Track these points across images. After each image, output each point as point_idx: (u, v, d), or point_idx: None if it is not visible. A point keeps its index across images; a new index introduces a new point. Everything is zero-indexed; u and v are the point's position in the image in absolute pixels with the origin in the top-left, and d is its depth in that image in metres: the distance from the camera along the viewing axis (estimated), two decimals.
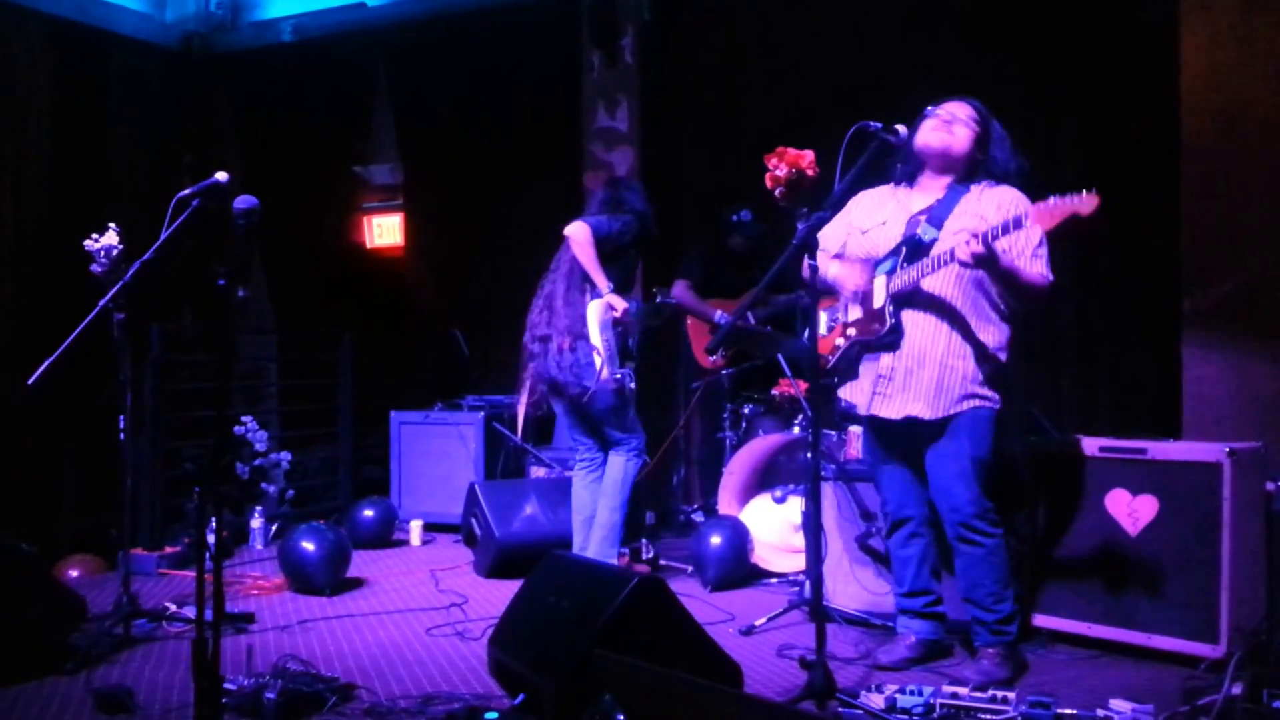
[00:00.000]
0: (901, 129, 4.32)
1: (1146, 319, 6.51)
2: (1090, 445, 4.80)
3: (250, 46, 9.68)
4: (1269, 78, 5.82)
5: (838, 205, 4.14)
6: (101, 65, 8.84)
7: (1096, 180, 3.95)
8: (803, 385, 6.31)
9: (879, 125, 4.23)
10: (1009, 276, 4.24)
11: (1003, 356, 4.41)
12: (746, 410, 7.26)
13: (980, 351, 4.38)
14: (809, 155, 5.65)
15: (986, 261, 4.10)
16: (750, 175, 5.86)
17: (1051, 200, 3.95)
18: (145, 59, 9.17)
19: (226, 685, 3.81)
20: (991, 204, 4.35)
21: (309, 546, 5.98)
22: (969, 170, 4.48)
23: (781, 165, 5.68)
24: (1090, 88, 6.71)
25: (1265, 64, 5.83)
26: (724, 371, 7.32)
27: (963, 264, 4.13)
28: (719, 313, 7.40)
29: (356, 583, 6.22)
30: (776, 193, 5.69)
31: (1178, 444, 4.67)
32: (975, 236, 4.05)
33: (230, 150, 9.70)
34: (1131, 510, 4.59)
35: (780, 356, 6.48)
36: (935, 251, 4.30)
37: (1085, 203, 3.89)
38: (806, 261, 4.04)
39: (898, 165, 4.60)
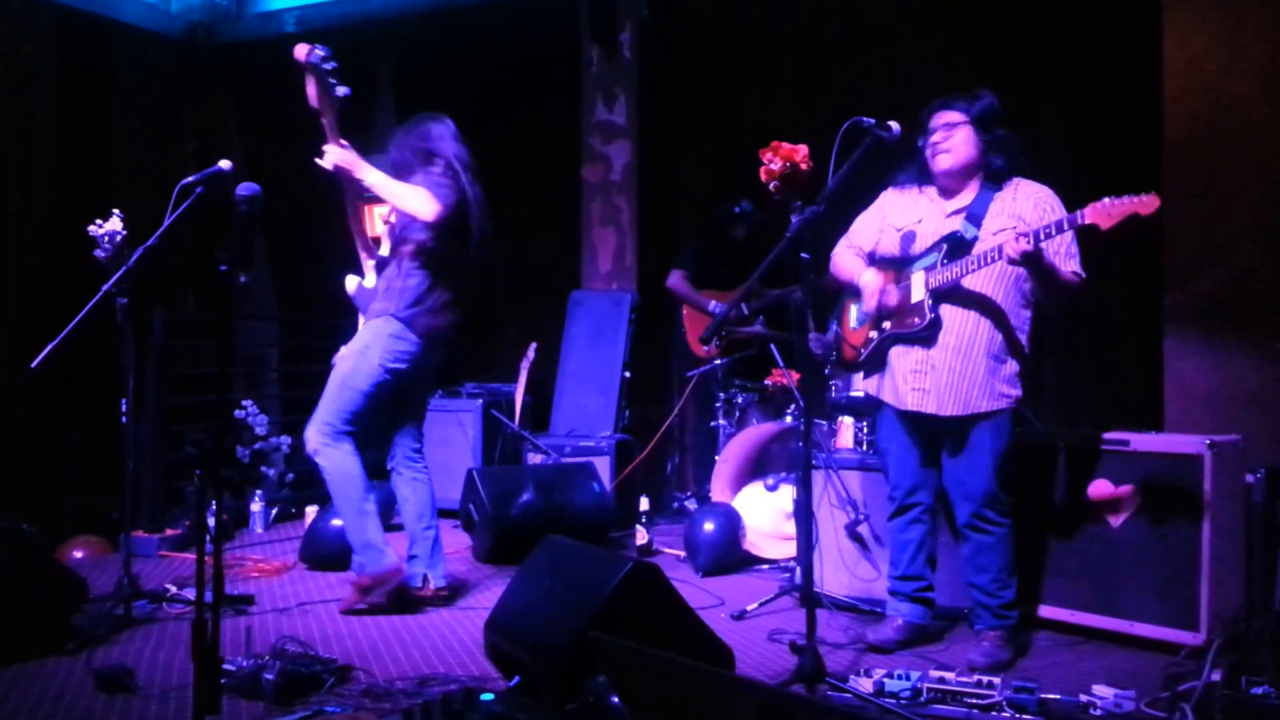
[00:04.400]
0: (895, 125, 4.37)
1: (1130, 314, 6.57)
2: (1074, 437, 4.88)
3: (254, 37, 9.70)
4: (1252, 79, 5.87)
5: (831, 199, 4.19)
6: (107, 54, 8.86)
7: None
8: (795, 375, 6.37)
9: (872, 121, 4.27)
10: (1049, 274, 4.31)
11: (1025, 359, 4.51)
12: (740, 399, 7.31)
13: (1012, 349, 4.47)
14: (803, 150, 5.71)
15: (1032, 260, 4.17)
16: (745, 169, 5.91)
17: (1106, 200, 4.02)
18: (150, 48, 9.19)
19: (226, 666, 3.85)
20: (1028, 203, 4.43)
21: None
22: (993, 172, 4.54)
23: (776, 159, 5.74)
24: (1076, 88, 6.76)
25: (1248, 65, 5.88)
26: (718, 361, 7.38)
27: (1011, 261, 4.19)
28: (714, 302, 7.46)
29: None
30: (771, 186, 5.75)
31: (1160, 436, 4.74)
32: (1025, 236, 4.12)
33: (233, 139, 9.74)
34: (1114, 500, 4.66)
35: (773, 347, 6.54)
36: (978, 250, 4.37)
37: (1146, 204, 3.96)
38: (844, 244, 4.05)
39: (915, 169, 4.67)
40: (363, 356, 5.13)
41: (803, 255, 4.07)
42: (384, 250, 5.36)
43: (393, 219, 5.35)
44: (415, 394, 5.42)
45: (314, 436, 5.10)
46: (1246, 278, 5.86)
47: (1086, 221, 4.07)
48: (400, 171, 5.24)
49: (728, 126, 8.10)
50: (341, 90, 5.02)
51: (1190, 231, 6.03)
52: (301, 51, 4.91)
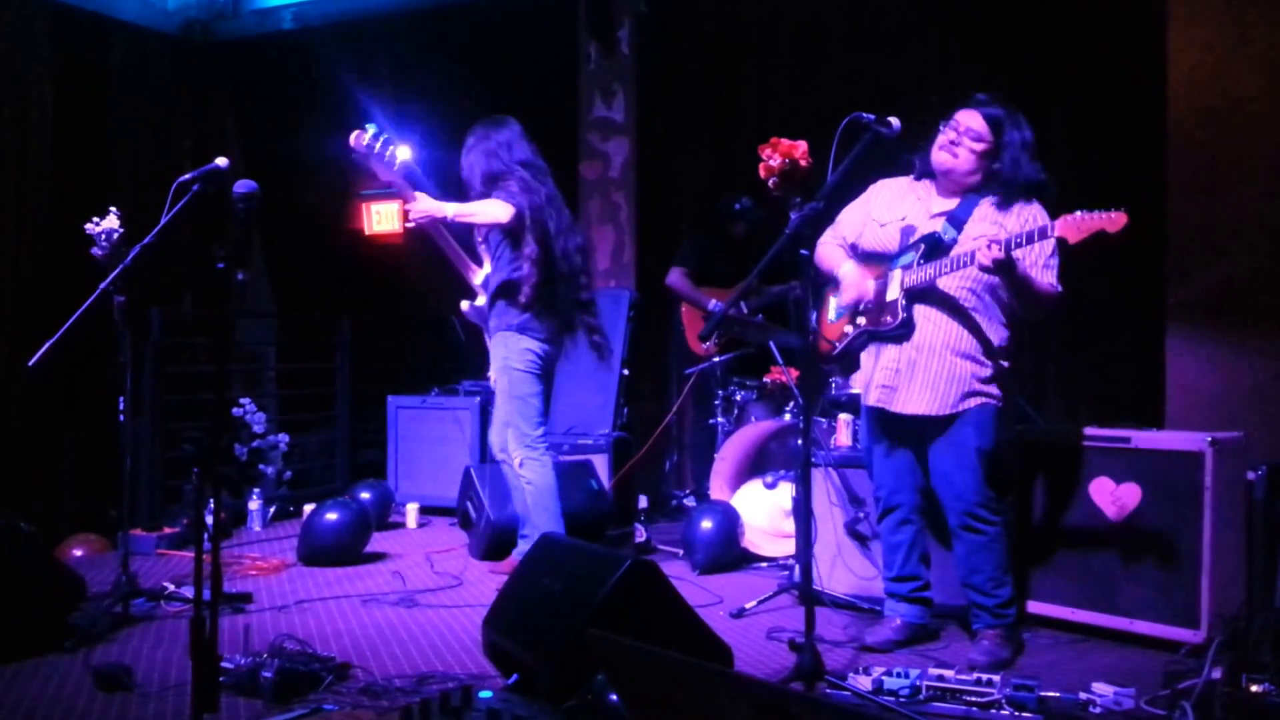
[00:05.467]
0: (894, 121, 4.36)
1: (1131, 311, 6.58)
2: (1075, 434, 4.86)
3: (251, 34, 9.72)
4: (1256, 75, 5.87)
5: (830, 196, 4.18)
6: (104, 51, 8.87)
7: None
8: (794, 373, 6.36)
9: (872, 117, 4.26)
10: (1022, 284, 4.30)
11: (1005, 360, 4.48)
12: (738, 397, 7.31)
13: (987, 351, 4.44)
14: (802, 146, 5.69)
15: (1004, 268, 4.16)
16: (744, 166, 5.90)
17: (1079, 214, 4.01)
18: (147, 45, 9.20)
19: (224, 664, 3.85)
20: (1011, 213, 4.41)
21: (332, 517, 6.32)
22: (984, 180, 4.51)
23: (775, 156, 5.72)
24: (1079, 84, 6.77)
25: (1252, 62, 5.88)
26: (716, 358, 7.37)
27: (982, 268, 4.19)
28: (713, 300, 7.45)
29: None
30: (770, 183, 5.73)
31: (1161, 433, 4.72)
32: (997, 243, 4.11)
33: (231, 136, 9.75)
34: (1115, 498, 4.65)
35: (772, 344, 6.53)
36: (955, 252, 4.36)
37: (1113, 220, 3.95)
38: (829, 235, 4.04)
39: (915, 160, 4.65)
40: (508, 370, 5.63)
41: (802, 252, 4.06)
42: (484, 272, 5.78)
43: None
44: (550, 391, 5.83)
45: (518, 451, 5.65)
46: (1249, 274, 5.86)
47: (1055, 234, 4.07)
48: (472, 193, 5.67)
49: (726, 123, 8.11)
50: (402, 156, 5.48)
51: (1193, 228, 6.03)
52: (353, 141, 5.41)
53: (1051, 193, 4.46)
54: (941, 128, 4.50)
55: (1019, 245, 4.16)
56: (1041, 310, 4.45)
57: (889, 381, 4.52)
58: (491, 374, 5.72)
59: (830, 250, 4.76)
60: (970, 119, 4.46)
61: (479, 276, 5.80)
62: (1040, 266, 4.35)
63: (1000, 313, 4.47)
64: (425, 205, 5.43)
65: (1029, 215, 4.39)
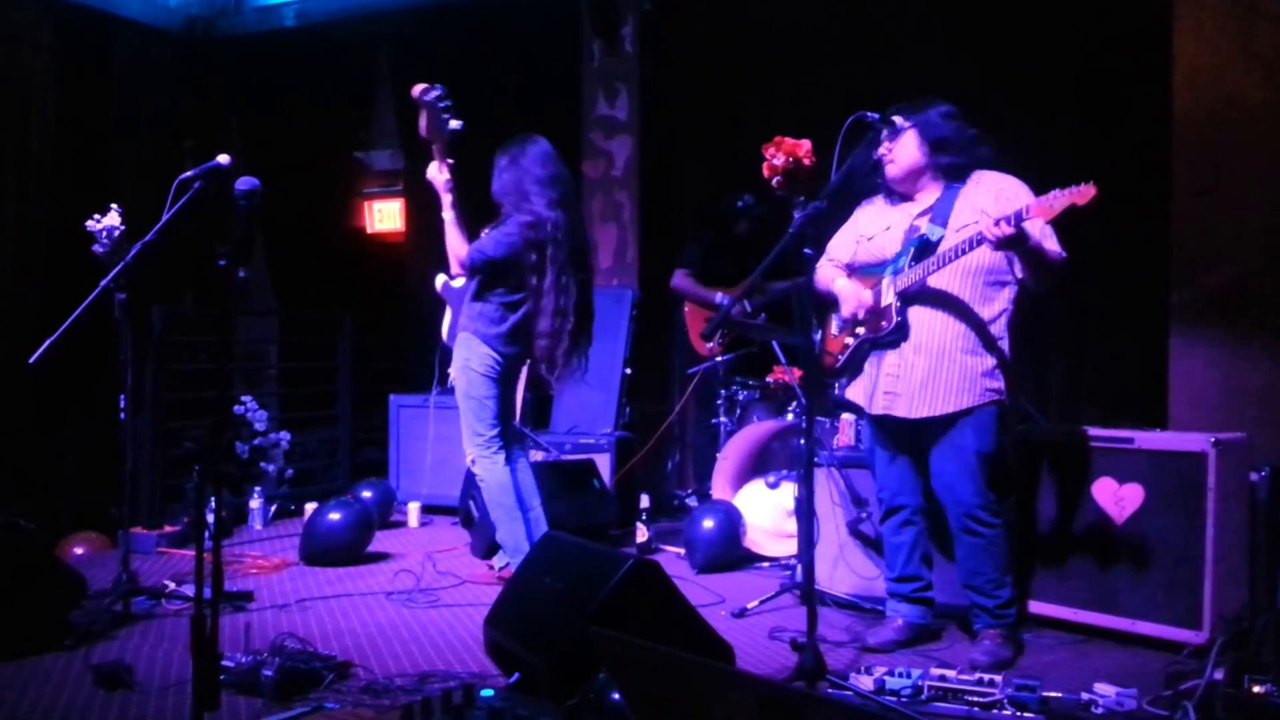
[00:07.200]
0: (898, 120, 4.36)
1: (1135, 311, 6.56)
2: (1078, 435, 4.86)
3: (253, 31, 9.71)
4: (1259, 76, 5.86)
5: (834, 194, 4.18)
6: (105, 48, 8.86)
7: (1090, 175, 4.01)
8: (797, 372, 6.35)
9: (876, 116, 4.27)
10: (1036, 254, 4.29)
11: (1005, 347, 4.49)
12: (741, 396, 7.30)
13: (987, 344, 4.45)
14: (806, 144, 5.68)
15: (1017, 241, 4.16)
16: (748, 164, 5.88)
17: (1052, 194, 4.03)
18: (149, 42, 9.19)
19: (224, 662, 3.86)
20: (989, 195, 4.41)
21: (335, 517, 6.33)
22: (948, 170, 4.54)
23: (779, 154, 5.70)
24: (1084, 85, 6.75)
25: (1256, 62, 5.87)
26: (719, 358, 7.36)
27: (997, 245, 4.17)
28: (719, 294, 7.44)
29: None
30: (774, 182, 5.72)
31: (1164, 434, 4.72)
32: (1006, 219, 4.11)
33: (232, 133, 9.74)
34: (1118, 498, 4.65)
35: (775, 343, 6.52)
36: (942, 249, 4.36)
37: (1082, 194, 3.97)
38: (823, 260, 4.07)
39: (886, 185, 4.68)
40: (468, 370, 5.53)
41: (805, 251, 4.05)
42: None
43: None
44: (509, 392, 5.75)
45: (470, 450, 5.59)
46: (1253, 276, 5.85)
47: (1031, 216, 4.09)
48: (500, 205, 5.62)
49: (730, 121, 8.09)
50: (454, 124, 5.41)
51: (1197, 229, 6.02)
52: (417, 90, 5.37)
53: (992, 145, 4.54)
54: (879, 157, 4.58)
55: (1024, 218, 4.15)
56: (1053, 279, 4.44)
57: (891, 388, 4.53)
58: (452, 370, 5.64)
59: (825, 270, 4.81)
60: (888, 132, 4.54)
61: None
62: (1040, 236, 4.36)
63: (994, 302, 4.47)
64: (441, 181, 5.46)
65: (1008, 193, 4.40)
